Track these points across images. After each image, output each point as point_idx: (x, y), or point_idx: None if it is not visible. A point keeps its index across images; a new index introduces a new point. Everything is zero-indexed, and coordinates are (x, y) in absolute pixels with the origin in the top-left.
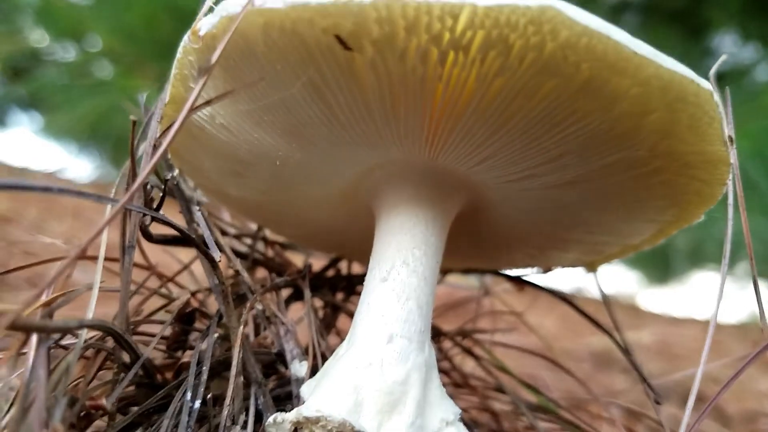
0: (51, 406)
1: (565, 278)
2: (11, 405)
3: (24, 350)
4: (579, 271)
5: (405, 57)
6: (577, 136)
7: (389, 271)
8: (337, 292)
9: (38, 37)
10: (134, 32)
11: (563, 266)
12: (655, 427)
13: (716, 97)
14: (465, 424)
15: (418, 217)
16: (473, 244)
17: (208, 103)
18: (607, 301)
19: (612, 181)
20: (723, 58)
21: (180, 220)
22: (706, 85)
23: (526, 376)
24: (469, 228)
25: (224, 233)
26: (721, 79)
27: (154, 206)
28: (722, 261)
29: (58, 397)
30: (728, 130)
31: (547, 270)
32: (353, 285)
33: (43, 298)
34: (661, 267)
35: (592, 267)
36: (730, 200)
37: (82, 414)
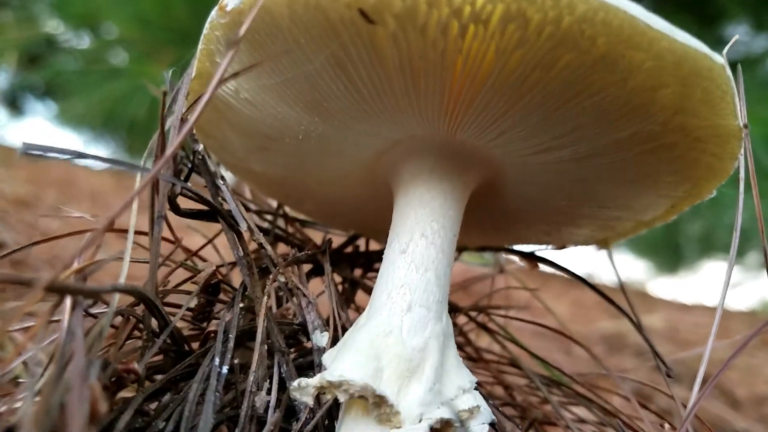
0: (87, 366)
1: (577, 264)
2: (45, 369)
3: (55, 318)
4: (590, 256)
5: (426, 30)
6: (592, 109)
7: (408, 243)
8: (356, 268)
9: (54, 25)
10: (149, 19)
11: (577, 244)
12: (666, 407)
13: (728, 71)
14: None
15: (437, 191)
16: (489, 220)
17: (235, 75)
18: (619, 278)
19: (625, 155)
20: (735, 38)
21: (205, 195)
22: (719, 59)
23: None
24: (485, 204)
25: (247, 209)
26: (733, 67)
27: (182, 178)
28: (733, 234)
29: (92, 359)
30: (740, 105)
31: (561, 247)
32: (371, 262)
33: (75, 266)
34: (671, 255)
35: (605, 244)
36: (741, 174)
37: (113, 379)
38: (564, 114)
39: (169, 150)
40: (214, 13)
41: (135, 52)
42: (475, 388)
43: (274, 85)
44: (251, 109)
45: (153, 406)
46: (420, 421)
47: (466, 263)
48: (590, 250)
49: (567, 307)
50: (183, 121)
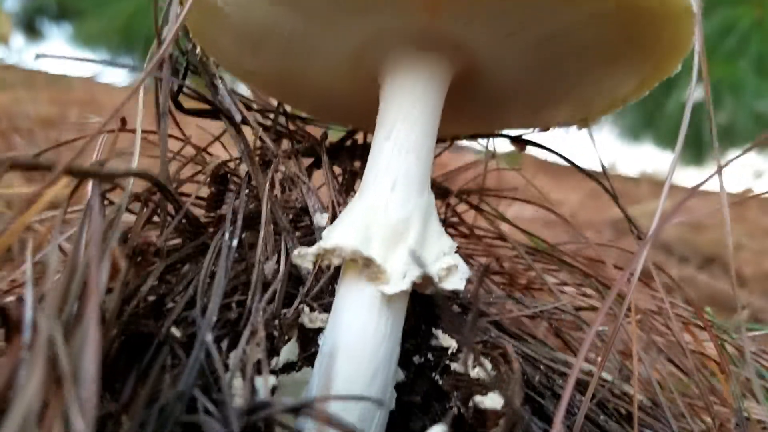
0: (106, 232)
1: (597, 156)
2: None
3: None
4: (610, 147)
5: None
6: None
7: (391, 129)
8: (355, 160)
9: None
10: None
11: (559, 124)
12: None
13: None
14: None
15: (417, 79)
16: (473, 108)
17: None
18: (602, 163)
19: (586, 35)
20: None
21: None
22: None
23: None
24: (467, 93)
25: (249, 108)
26: None
27: (180, 78)
28: (684, 112)
29: (113, 231)
30: None
31: (545, 129)
32: (368, 154)
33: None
34: (694, 146)
35: (585, 123)
36: (697, 48)
37: (134, 252)
38: None
39: (164, 46)
40: None
41: None
42: (456, 252)
43: None
44: (240, 12)
45: (174, 278)
46: (404, 278)
47: (460, 150)
48: (574, 130)
49: (580, 198)
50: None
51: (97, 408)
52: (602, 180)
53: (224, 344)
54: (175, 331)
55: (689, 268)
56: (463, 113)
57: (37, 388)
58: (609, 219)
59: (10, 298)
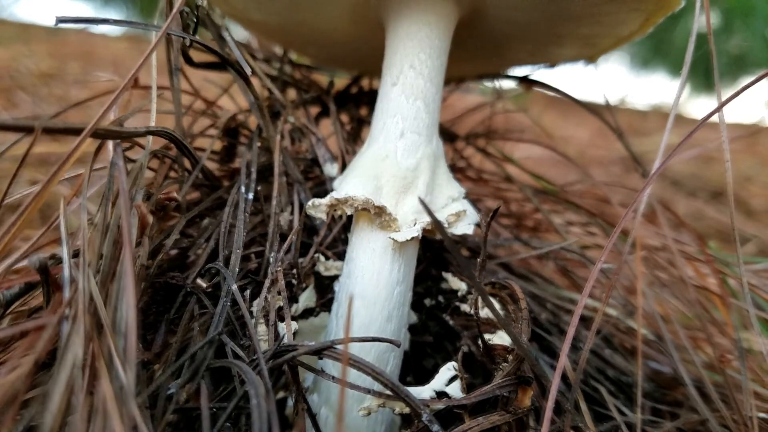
0: (132, 190)
1: (603, 92)
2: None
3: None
4: (621, 81)
5: None
6: None
7: (398, 75)
8: (361, 106)
9: None
10: None
11: (566, 61)
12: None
13: None
14: (472, 203)
15: (421, 23)
16: (480, 49)
17: None
18: (606, 98)
19: None
20: None
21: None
22: None
23: (545, 170)
24: (474, 35)
25: (254, 57)
26: None
27: (191, 32)
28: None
29: (137, 188)
30: None
31: (553, 65)
32: (375, 100)
33: (112, 116)
34: (704, 75)
35: (592, 59)
36: None
37: (157, 207)
38: None
39: (176, 6)
40: None
41: None
42: (464, 197)
43: None
44: None
45: (196, 232)
46: (414, 225)
47: (466, 92)
48: (582, 66)
49: (589, 134)
50: None
51: (137, 357)
52: (607, 117)
53: (247, 293)
54: (201, 282)
55: (698, 202)
56: (469, 53)
57: (81, 340)
58: (618, 155)
59: (44, 255)
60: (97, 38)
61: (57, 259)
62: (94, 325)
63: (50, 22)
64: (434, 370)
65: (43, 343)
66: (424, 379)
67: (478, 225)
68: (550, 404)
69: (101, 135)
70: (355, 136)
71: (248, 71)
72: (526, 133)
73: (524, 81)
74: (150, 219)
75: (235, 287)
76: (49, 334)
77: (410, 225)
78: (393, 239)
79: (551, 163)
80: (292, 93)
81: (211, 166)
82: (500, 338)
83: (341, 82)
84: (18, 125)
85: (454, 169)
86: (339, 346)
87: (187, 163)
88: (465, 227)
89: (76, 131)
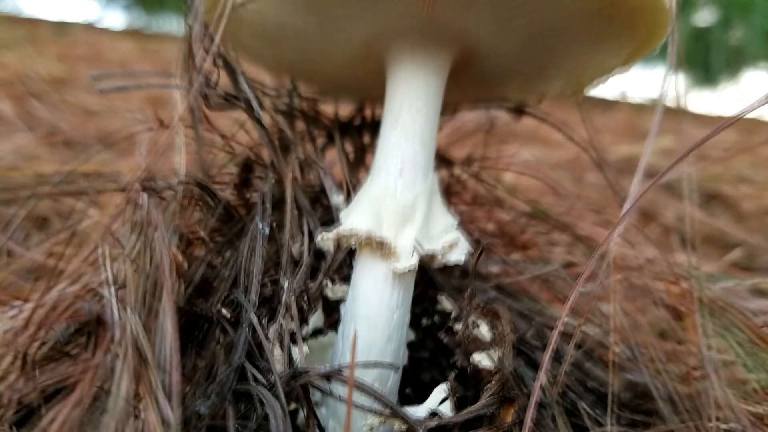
0: (168, 236)
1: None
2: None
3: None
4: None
5: None
6: None
7: (397, 119)
8: (364, 134)
9: None
10: None
11: (553, 96)
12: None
13: None
14: (466, 230)
15: (418, 71)
16: (471, 85)
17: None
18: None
19: (575, 25)
20: None
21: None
22: None
23: (536, 190)
24: (467, 73)
25: (265, 94)
26: None
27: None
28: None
29: (170, 232)
30: None
31: (539, 100)
32: (377, 128)
33: (142, 164)
34: (704, 70)
35: (578, 92)
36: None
37: (185, 243)
38: None
39: (198, 76)
40: None
41: None
42: (457, 228)
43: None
44: (258, 16)
45: (218, 261)
46: (412, 255)
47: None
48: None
49: (586, 136)
50: (206, 36)
51: (180, 392)
52: (587, 147)
53: (264, 321)
54: (224, 311)
55: (689, 206)
56: (463, 89)
57: (129, 377)
58: (614, 157)
59: (93, 301)
60: (102, 38)
61: (96, 294)
62: (141, 362)
63: (54, 16)
64: (430, 383)
65: (97, 379)
66: (421, 390)
67: (471, 254)
68: (528, 420)
69: (145, 189)
70: (358, 163)
71: (260, 113)
72: (526, 133)
73: (514, 111)
74: (185, 266)
75: (254, 318)
76: (101, 371)
77: (409, 254)
78: (393, 268)
79: (550, 166)
80: (300, 124)
81: (228, 196)
82: (487, 359)
83: (344, 111)
84: (72, 191)
85: (449, 192)
86: (345, 370)
87: (209, 200)
88: (458, 256)
89: (122, 189)
